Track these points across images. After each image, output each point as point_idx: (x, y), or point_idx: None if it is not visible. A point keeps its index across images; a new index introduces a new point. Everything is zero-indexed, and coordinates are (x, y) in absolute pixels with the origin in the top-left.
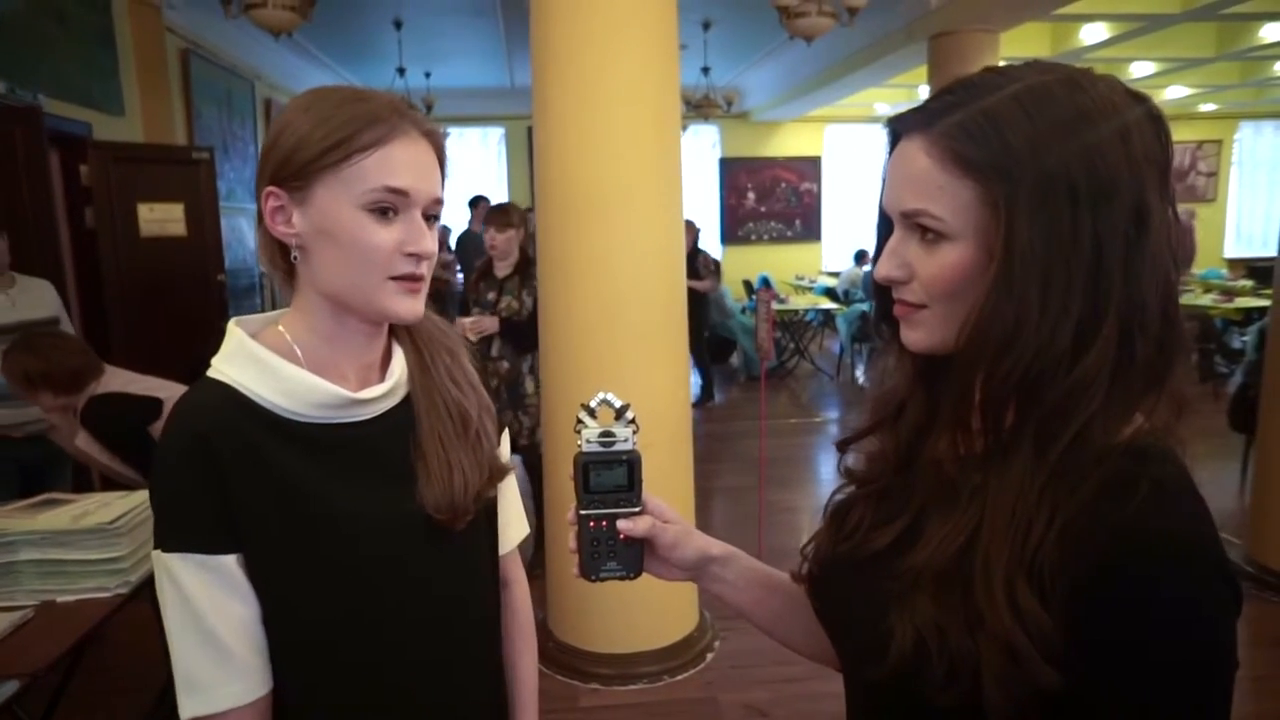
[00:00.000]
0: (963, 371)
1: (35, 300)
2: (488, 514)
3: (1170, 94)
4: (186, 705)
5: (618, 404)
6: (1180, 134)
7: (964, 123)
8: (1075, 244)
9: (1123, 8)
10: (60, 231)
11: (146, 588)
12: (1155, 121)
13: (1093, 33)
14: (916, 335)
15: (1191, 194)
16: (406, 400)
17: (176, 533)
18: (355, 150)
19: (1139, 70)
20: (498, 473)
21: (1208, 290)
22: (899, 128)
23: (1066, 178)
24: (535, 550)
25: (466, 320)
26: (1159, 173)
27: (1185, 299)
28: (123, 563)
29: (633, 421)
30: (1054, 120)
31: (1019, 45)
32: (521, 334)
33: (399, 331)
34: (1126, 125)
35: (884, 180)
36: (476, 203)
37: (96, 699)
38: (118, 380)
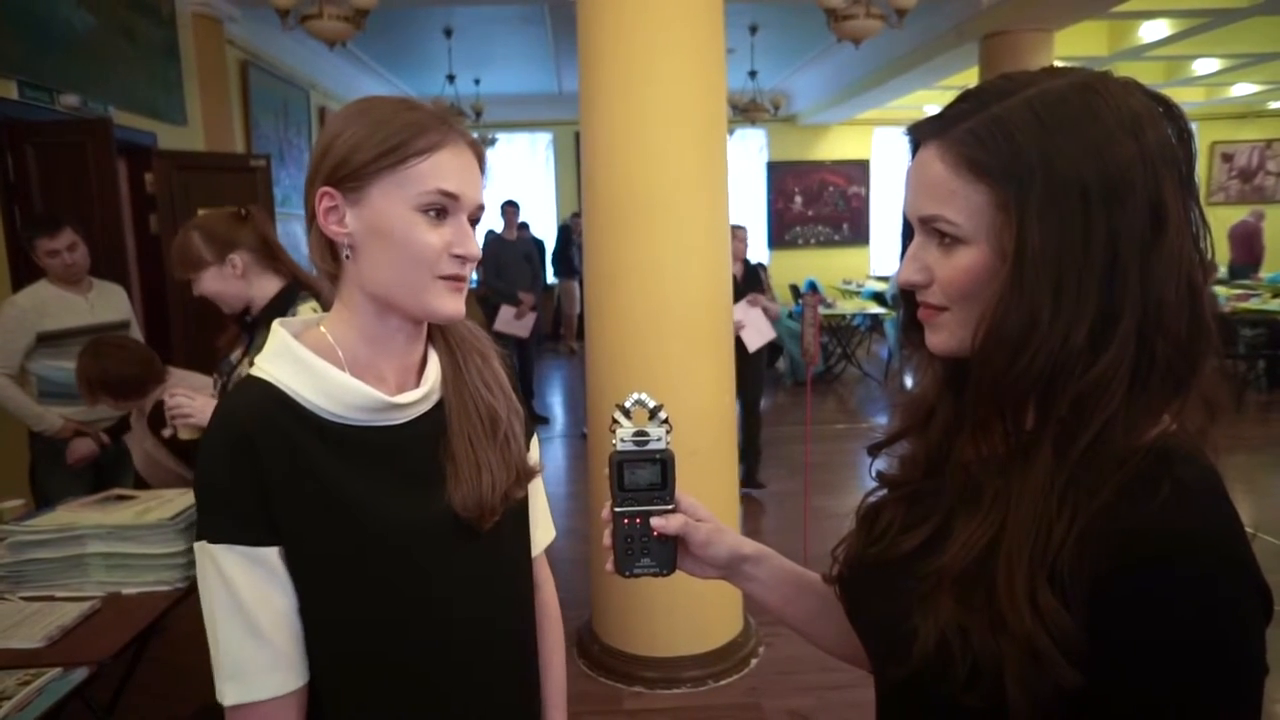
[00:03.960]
0: (980, 372)
1: (110, 304)
2: (517, 516)
3: (1237, 91)
4: (228, 692)
5: (651, 404)
6: (1247, 133)
7: (975, 128)
8: (1088, 245)
9: (1186, 3)
10: (127, 238)
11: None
12: (1174, 121)
13: (1153, 30)
14: (938, 338)
15: (1260, 194)
16: (439, 404)
17: (221, 524)
18: (411, 154)
19: (1203, 67)
20: (525, 474)
21: (1276, 294)
22: (917, 135)
23: (1078, 179)
24: None
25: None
26: (1178, 172)
27: (1252, 303)
28: (181, 558)
29: (666, 421)
30: (1065, 123)
31: (1074, 44)
32: None
33: (435, 335)
34: (1141, 126)
35: (905, 187)
36: (507, 207)
37: (159, 689)
38: (183, 384)
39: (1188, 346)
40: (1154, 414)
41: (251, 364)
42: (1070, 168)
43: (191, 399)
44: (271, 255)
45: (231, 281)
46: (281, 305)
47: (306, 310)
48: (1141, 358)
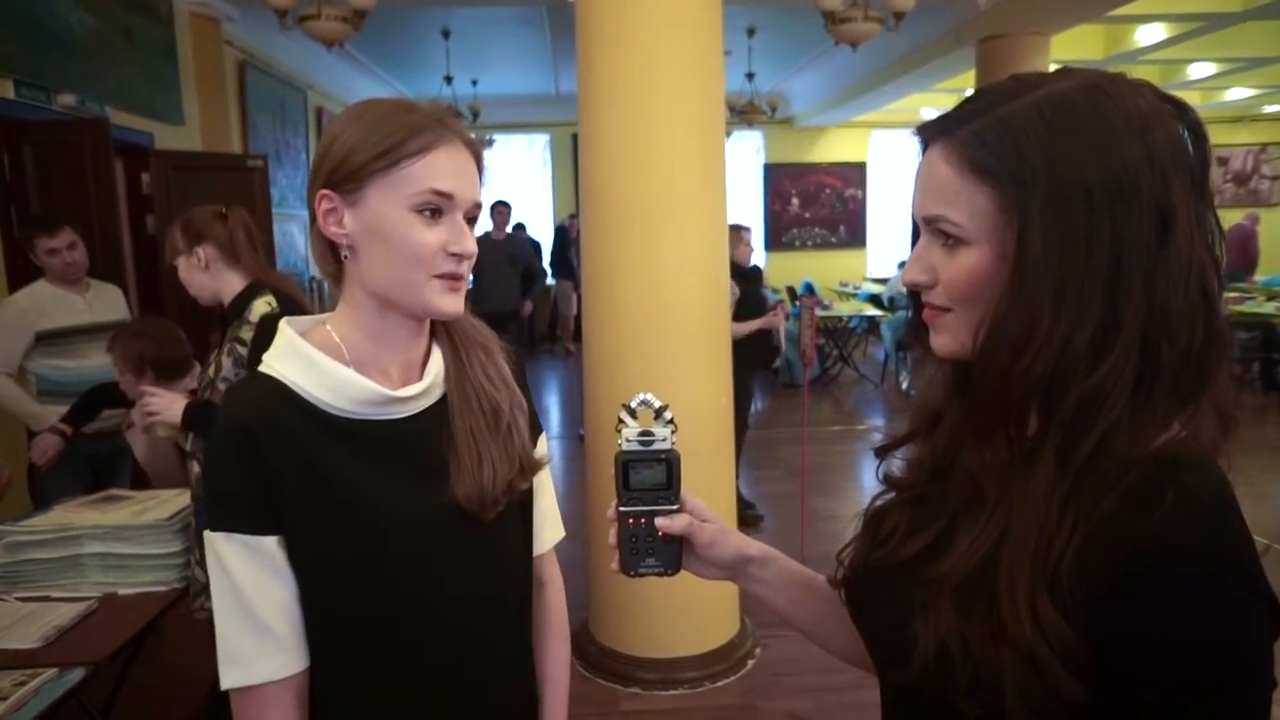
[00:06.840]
0: (981, 375)
1: (108, 304)
2: (521, 511)
3: (1232, 95)
4: (227, 676)
5: (657, 404)
6: (1242, 137)
7: (981, 130)
8: (1091, 249)
9: (1182, 7)
10: (123, 238)
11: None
12: (1188, 125)
13: (1149, 34)
14: (941, 339)
15: (1255, 198)
16: (443, 398)
17: (224, 514)
18: (405, 156)
19: (1198, 71)
20: (529, 466)
21: (1270, 298)
22: (925, 135)
23: (1082, 182)
24: None
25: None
26: (1190, 177)
27: (1247, 306)
28: (178, 558)
29: (671, 421)
30: (1070, 125)
31: (1070, 48)
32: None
33: (438, 330)
34: (1149, 127)
35: (914, 187)
36: (498, 208)
37: (154, 690)
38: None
39: (1198, 356)
40: (1162, 423)
41: (216, 362)
42: (1074, 170)
43: (160, 397)
44: (235, 254)
45: (195, 273)
46: (242, 302)
47: (261, 305)
48: (1145, 366)
